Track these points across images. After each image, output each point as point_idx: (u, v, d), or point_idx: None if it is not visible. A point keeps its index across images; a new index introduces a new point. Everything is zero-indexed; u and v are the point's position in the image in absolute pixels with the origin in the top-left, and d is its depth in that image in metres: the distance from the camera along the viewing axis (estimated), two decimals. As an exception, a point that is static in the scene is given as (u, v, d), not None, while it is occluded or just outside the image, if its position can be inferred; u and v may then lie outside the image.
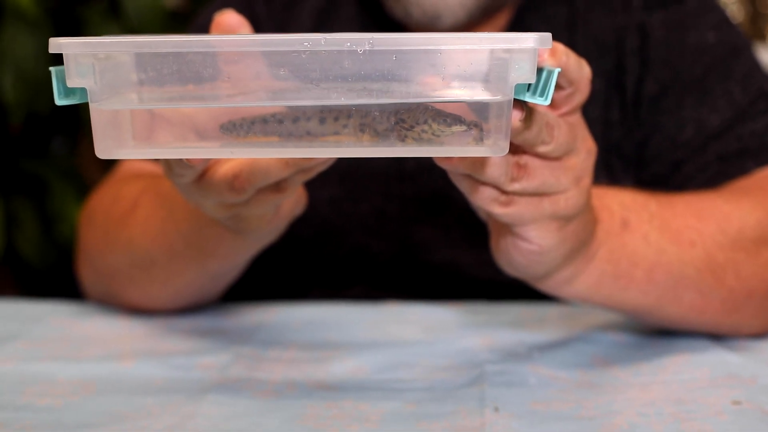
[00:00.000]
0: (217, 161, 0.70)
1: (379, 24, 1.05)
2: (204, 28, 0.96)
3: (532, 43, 0.58)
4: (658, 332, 0.87)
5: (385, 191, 1.04)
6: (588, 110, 0.96)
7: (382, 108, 0.60)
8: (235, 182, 0.69)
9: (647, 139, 0.99)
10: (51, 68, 0.60)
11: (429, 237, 1.03)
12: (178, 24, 1.82)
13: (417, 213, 1.04)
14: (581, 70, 0.67)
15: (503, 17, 1.04)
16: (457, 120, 0.60)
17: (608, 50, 1.01)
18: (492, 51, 0.59)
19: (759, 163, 0.92)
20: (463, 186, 0.69)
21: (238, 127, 0.63)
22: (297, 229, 0.88)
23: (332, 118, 0.61)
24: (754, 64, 0.99)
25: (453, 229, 1.03)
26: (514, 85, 0.59)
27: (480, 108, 0.60)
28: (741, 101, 0.96)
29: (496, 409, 0.72)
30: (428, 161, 0.67)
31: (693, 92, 0.98)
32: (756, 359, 0.81)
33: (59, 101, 0.60)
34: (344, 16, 1.07)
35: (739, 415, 0.70)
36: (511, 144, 0.62)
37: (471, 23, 1.00)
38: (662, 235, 0.79)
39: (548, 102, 0.59)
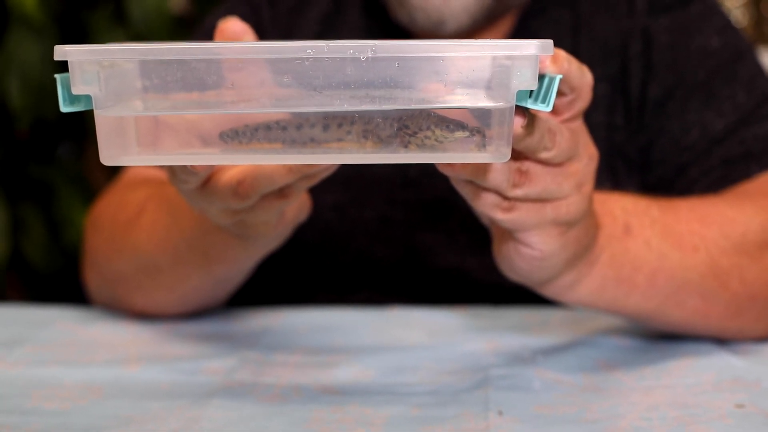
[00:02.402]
0: (222, 168, 0.70)
1: (385, 30, 1.05)
2: (209, 35, 0.96)
3: (534, 49, 0.58)
4: (662, 336, 0.87)
5: (389, 197, 1.04)
6: (592, 114, 0.96)
7: (385, 114, 0.61)
8: (239, 188, 0.69)
9: (652, 143, 0.99)
10: (56, 75, 0.61)
11: (433, 242, 1.04)
12: (184, 29, 1.82)
13: (421, 218, 1.04)
14: (583, 77, 0.67)
15: (507, 22, 1.04)
16: (460, 126, 0.60)
17: (612, 54, 1.02)
18: (494, 58, 0.59)
19: (763, 167, 0.92)
20: (465, 192, 0.69)
21: (241, 135, 0.63)
22: (301, 235, 0.88)
23: (336, 124, 0.62)
24: (758, 68, 0.99)
25: (457, 234, 1.03)
26: (516, 91, 0.59)
27: (482, 114, 0.60)
28: (745, 105, 0.96)
29: (500, 413, 0.72)
30: (432, 167, 0.67)
31: (697, 96, 0.98)
32: (760, 363, 0.81)
33: (64, 108, 0.61)
34: (349, 22, 1.08)
35: (744, 419, 0.70)
36: (513, 150, 0.62)
37: (475, 28, 1.01)
38: (664, 240, 0.79)
39: (550, 108, 0.60)
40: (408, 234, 1.04)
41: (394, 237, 1.04)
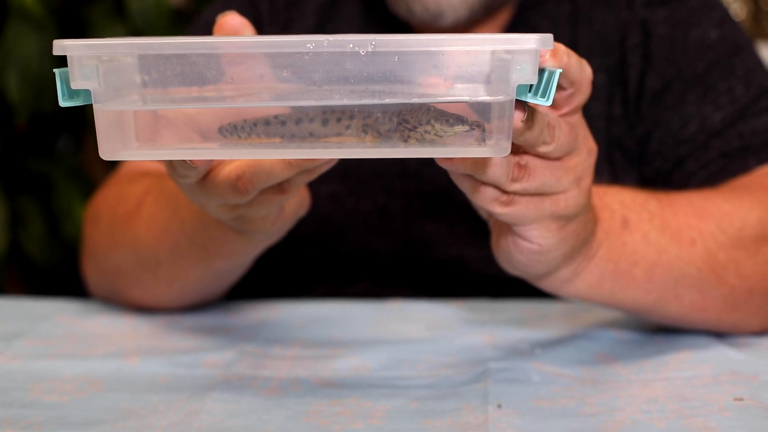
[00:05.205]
0: (221, 163, 0.70)
1: (383, 21, 1.05)
2: (206, 28, 0.97)
3: (534, 44, 0.58)
4: (660, 329, 0.88)
5: (388, 188, 1.04)
6: (591, 106, 0.97)
7: (384, 109, 0.61)
8: (239, 183, 0.69)
9: (649, 135, 1.00)
10: (55, 70, 0.61)
11: (432, 233, 1.04)
12: (183, 23, 1.82)
13: (419, 209, 1.04)
14: (582, 71, 0.67)
15: (505, 14, 1.04)
16: (460, 120, 0.60)
17: (611, 46, 1.02)
18: (494, 52, 0.59)
19: (760, 161, 0.93)
20: (464, 186, 0.69)
21: (240, 130, 0.63)
22: (299, 226, 0.88)
23: (335, 119, 0.62)
24: (756, 62, 1.00)
25: (456, 225, 1.03)
26: (515, 85, 0.59)
27: (482, 109, 0.60)
28: (743, 98, 0.96)
29: (499, 406, 0.72)
30: (431, 158, 0.67)
31: (695, 88, 0.98)
32: (758, 356, 0.81)
33: (63, 103, 0.61)
34: (347, 14, 1.08)
35: (742, 412, 0.70)
36: (512, 144, 0.62)
37: (473, 21, 1.01)
38: (662, 234, 0.79)
39: (550, 103, 0.60)
40: (406, 225, 1.04)
41: (392, 228, 1.04)
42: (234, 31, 0.73)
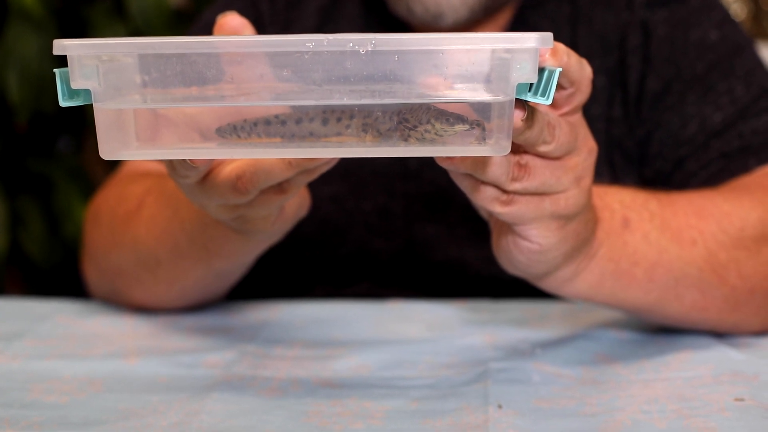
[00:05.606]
0: (221, 163, 0.70)
1: (383, 22, 1.05)
2: (207, 28, 0.97)
3: (534, 42, 0.58)
4: (661, 329, 0.88)
5: (389, 188, 1.04)
6: (591, 107, 0.97)
7: (384, 108, 0.61)
8: (239, 183, 0.69)
9: (650, 136, 1.00)
10: (55, 70, 0.61)
11: (432, 234, 1.04)
12: (183, 23, 1.82)
13: (420, 210, 1.04)
14: (582, 70, 0.67)
15: (505, 15, 1.04)
16: (460, 119, 0.60)
17: (611, 47, 1.02)
18: (494, 51, 0.59)
19: (761, 161, 0.93)
20: (464, 185, 0.69)
21: (239, 129, 0.63)
22: (299, 227, 0.88)
23: (335, 118, 0.62)
24: (757, 62, 1.00)
25: (456, 226, 1.03)
26: (515, 84, 0.59)
27: (482, 108, 0.60)
28: (743, 99, 0.96)
29: (500, 406, 0.72)
30: (432, 158, 0.67)
31: (695, 89, 0.98)
32: (759, 356, 0.81)
33: (63, 102, 0.61)
34: (348, 14, 1.08)
35: (743, 412, 0.70)
36: (512, 143, 0.62)
37: (473, 21, 1.01)
38: (663, 234, 0.79)
39: (550, 102, 0.60)
40: (407, 226, 1.04)
41: (393, 229, 1.04)
42: (234, 32, 0.72)
